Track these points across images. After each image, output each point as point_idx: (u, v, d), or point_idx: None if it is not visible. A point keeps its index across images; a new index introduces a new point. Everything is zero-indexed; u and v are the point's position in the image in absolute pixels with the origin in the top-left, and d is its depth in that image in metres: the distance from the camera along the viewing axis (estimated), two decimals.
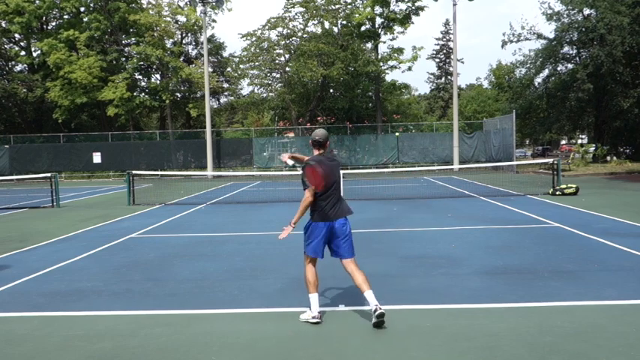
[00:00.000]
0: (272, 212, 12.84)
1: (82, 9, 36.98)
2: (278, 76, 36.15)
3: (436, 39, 64.57)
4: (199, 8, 32.15)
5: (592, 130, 34.88)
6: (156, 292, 5.86)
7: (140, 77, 38.87)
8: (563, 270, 6.30)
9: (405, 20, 34.18)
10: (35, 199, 18.53)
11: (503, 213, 11.55)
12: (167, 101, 36.17)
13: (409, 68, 35.00)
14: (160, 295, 5.76)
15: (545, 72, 31.60)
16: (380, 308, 4.41)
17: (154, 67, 37.58)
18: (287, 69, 34.92)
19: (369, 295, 4.54)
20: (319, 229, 4.64)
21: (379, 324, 4.43)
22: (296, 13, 33.74)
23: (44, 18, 37.60)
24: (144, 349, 4.20)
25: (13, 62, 40.18)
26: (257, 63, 34.59)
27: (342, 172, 22.53)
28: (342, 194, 4.89)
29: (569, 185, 15.01)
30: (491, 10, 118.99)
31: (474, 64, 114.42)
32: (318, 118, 39.55)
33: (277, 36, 34.16)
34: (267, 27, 33.66)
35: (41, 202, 16.85)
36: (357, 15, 33.87)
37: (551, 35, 30.35)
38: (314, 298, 4.70)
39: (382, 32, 35.18)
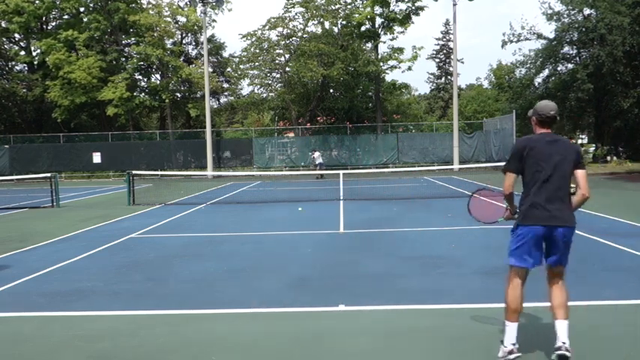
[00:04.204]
0: (272, 212, 12.84)
1: (82, 9, 36.96)
2: (278, 76, 36.17)
3: (436, 39, 64.43)
4: (199, 8, 32.17)
5: (592, 130, 34.91)
6: (156, 292, 5.86)
7: (140, 77, 38.86)
8: None
9: (405, 20, 34.17)
10: (35, 199, 18.52)
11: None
12: (167, 101, 36.17)
13: (409, 68, 34.99)
14: (160, 295, 5.76)
15: (546, 72, 31.65)
16: (565, 350, 3.53)
17: (154, 67, 37.56)
18: (287, 69, 34.92)
19: (560, 325, 3.64)
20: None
21: None
22: (296, 13, 33.77)
23: (44, 18, 37.59)
24: (144, 349, 4.20)
25: (13, 62, 40.20)
26: (257, 63, 34.59)
27: (341, 172, 22.37)
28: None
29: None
30: (493, 10, 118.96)
31: (474, 64, 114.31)
32: (318, 118, 39.56)
33: (277, 36, 34.17)
34: (267, 27, 33.66)
35: (41, 202, 16.85)
36: (357, 15, 33.86)
37: (552, 35, 30.39)
38: (511, 327, 3.76)
39: (382, 32, 35.16)
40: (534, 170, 3.71)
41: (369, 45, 35.54)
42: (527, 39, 31.48)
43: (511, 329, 3.73)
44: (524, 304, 3.84)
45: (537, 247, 3.72)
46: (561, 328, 3.62)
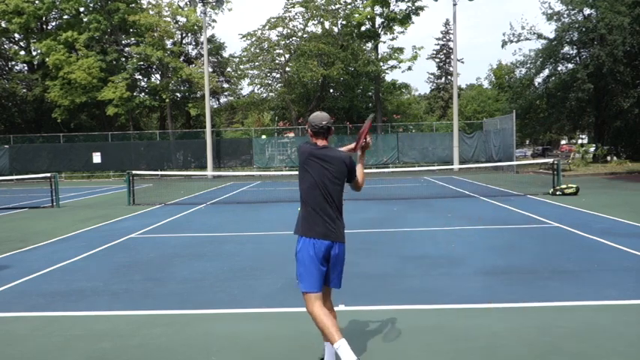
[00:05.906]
0: (272, 212, 12.84)
1: (82, 9, 36.96)
2: (278, 76, 36.19)
3: (436, 39, 64.59)
4: (199, 8, 32.16)
5: (592, 130, 34.91)
6: (156, 292, 5.85)
7: (140, 77, 38.88)
8: (563, 270, 6.30)
9: (405, 20, 34.19)
10: (35, 199, 18.52)
11: (503, 213, 11.55)
12: (167, 101, 36.17)
13: (409, 68, 35.03)
14: (160, 295, 5.76)
15: (546, 72, 31.66)
16: None
17: (154, 67, 37.57)
18: (287, 69, 34.94)
19: (342, 345, 3.32)
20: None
21: None
22: (296, 13, 33.81)
23: (44, 18, 37.59)
24: (144, 349, 4.19)
25: (13, 62, 40.20)
26: (257, 63, 34.61)
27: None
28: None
29: (569, 185, 15.00)
30: (495, 10, 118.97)
31: (474, 64, 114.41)
32: None
33: (277, 36, 34.20)
34: (267, 27, 33.68)
35: (41, 202, 16.85)
36: (357, 15, 33.88)
37: (552, 35, 30.39)
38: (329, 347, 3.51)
39: (382, 32, 35.18)
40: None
41: (369, 45, 35.54)
42: (527, 39, 31.50)
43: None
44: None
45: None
46: None
